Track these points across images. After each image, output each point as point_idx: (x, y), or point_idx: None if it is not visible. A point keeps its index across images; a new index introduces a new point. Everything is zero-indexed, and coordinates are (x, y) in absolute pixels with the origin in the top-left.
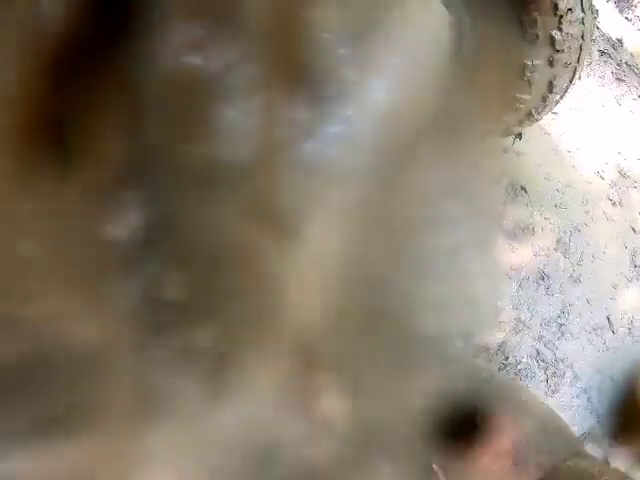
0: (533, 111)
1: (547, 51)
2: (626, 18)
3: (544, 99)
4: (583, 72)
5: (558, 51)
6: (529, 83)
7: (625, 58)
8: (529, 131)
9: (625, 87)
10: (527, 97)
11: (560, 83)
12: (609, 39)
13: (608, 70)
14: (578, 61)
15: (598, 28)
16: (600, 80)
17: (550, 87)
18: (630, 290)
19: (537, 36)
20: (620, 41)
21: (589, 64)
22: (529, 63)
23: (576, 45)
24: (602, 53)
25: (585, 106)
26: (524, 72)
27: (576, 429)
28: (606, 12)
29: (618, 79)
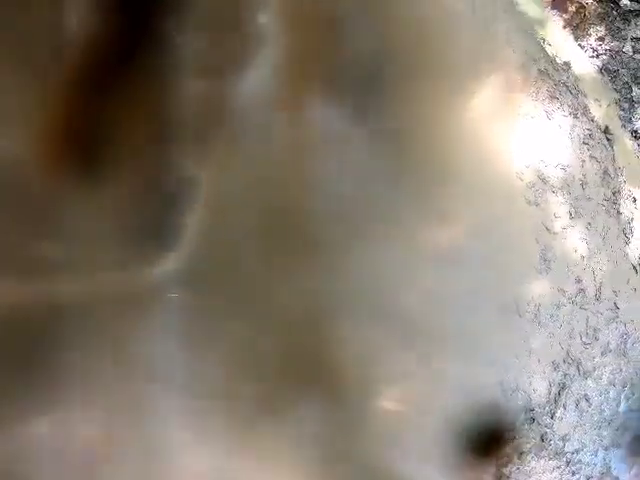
0: None
1: None
2: (579, 45)
3: None
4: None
5: None
6: None
7: (564, 79)
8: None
9: (558, 104)
10: None
11: None
12: (552, 61)
13: (544, 87)
14: None
15: (545, 50)
16: (534, 95)
17: None
18: (539, 281)
19: None
20: (567, 64)
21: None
22: None
23: None
24: (541, 72)
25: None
26: None
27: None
28: (560, 37)
29: (552, 96)
